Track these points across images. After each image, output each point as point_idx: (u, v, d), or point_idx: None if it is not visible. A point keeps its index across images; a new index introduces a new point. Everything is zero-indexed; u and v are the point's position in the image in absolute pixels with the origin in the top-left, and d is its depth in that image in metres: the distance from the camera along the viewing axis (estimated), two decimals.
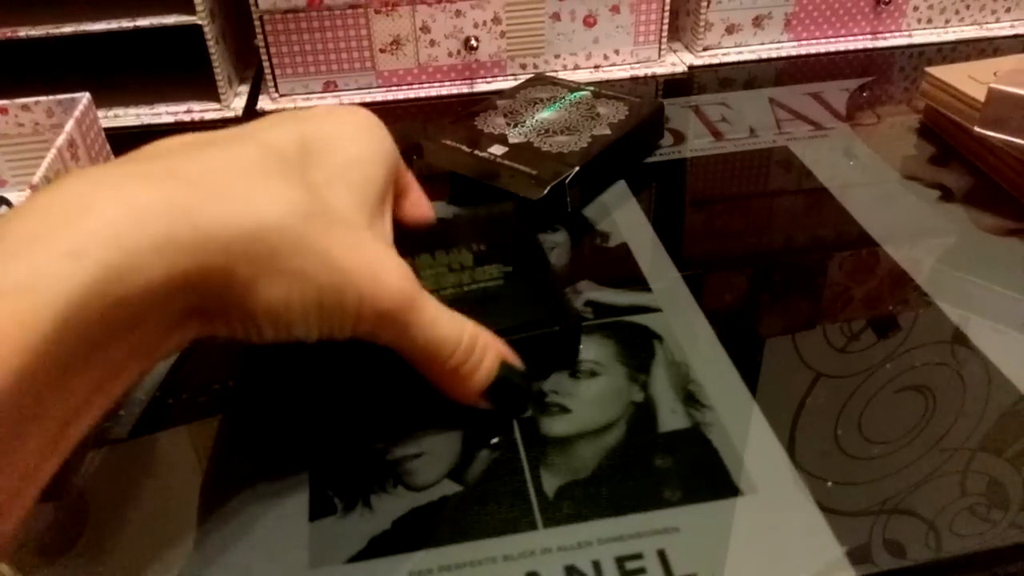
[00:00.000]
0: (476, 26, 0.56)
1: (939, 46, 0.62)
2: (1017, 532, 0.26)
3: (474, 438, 0.30)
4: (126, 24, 0.50)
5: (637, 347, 0.34)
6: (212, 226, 0.21)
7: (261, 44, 0.55)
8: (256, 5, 0.53)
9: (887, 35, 0.63)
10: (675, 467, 0.28)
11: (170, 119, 0.55)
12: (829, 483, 0.27)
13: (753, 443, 0.29)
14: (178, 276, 0.21)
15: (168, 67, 0.59)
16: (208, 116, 0.55)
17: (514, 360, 0.29)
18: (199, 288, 0.22)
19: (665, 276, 0.38)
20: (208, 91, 0.55)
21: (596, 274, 0.38)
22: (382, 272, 0.25)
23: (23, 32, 0.50)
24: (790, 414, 0.30)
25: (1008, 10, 0.64)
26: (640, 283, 0.37)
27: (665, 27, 0.59)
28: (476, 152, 0.44)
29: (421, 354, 0.27)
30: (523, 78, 0.54)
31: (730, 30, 0.61)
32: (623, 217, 0.42)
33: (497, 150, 0.44)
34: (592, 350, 0.33)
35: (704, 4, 0.59)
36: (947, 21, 0.63)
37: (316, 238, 0.23)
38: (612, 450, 0.29)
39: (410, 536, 0.26)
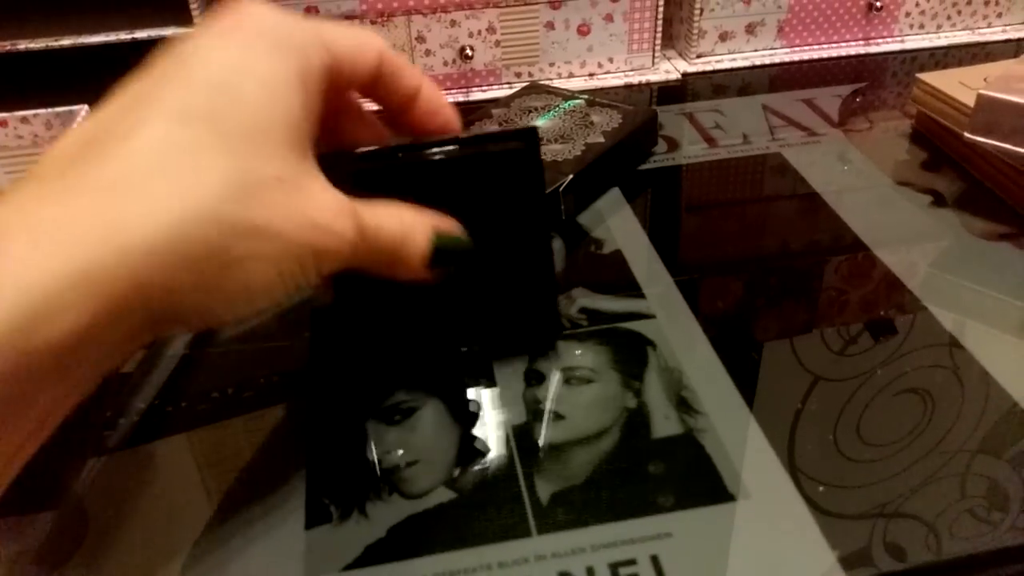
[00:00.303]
0: (471, 35, 0.56)
1: (931, 51, 0.62)
2: (1017, 534, 0.26)
3: (469, 446, 0.30)
4: (124, 36, 0.51)
5: (631, 353, 0.34)
6: (140, 243, 0.19)
7: None
8: None
9: (879, 41, 0.63)
10: (668, 473, 0.28)
11: None
12: (821, 488, 0.28)
13: (746, 449, 0.29)
14: (112, 309, 0.19)
15: None
16: None
17: (445, 225, 0.28)
18: (140, 311, 0.20)
19: (659, 283, 0.38)
20: None
21: (590, 281, 0.38)
22: (327, 218, 0.23)
23: (22, 45, 0.51)
24: (782, 419, 0.30)
25: (999, 15, 0.64)
26: (634, 290, 0.38)
27: (659, 35, 0.59)
28: None
29: (373, 264, 0.26)
30: (518, 86, 0.55)
31: (723, 37, 0.61)
32: (617, 224, 0.43)
33: None
34: (586, 357, 0.34)
35: (697, 12, 0.59)
36: (939, 26, 0.64)
37: (253, 215, 0.21)
38: (606, 456, 0.29)
39: (406, 544, 0.27)
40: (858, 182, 0.46)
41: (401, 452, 0.30)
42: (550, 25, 0.57)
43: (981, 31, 0.64)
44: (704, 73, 0.61)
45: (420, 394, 0.32)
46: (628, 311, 0.36)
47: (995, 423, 0.30)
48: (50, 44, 0.51)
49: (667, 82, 0.60)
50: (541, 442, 0.30)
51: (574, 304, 0.37)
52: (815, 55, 0.62)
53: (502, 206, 0.32)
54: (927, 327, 0.35)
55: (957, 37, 0.64)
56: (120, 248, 0.18)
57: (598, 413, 0.31)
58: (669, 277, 0.38)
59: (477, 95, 0.58)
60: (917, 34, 0.64)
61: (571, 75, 0.60)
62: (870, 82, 0.58)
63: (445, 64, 0.57)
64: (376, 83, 0.28)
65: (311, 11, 0.54)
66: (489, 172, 0.31)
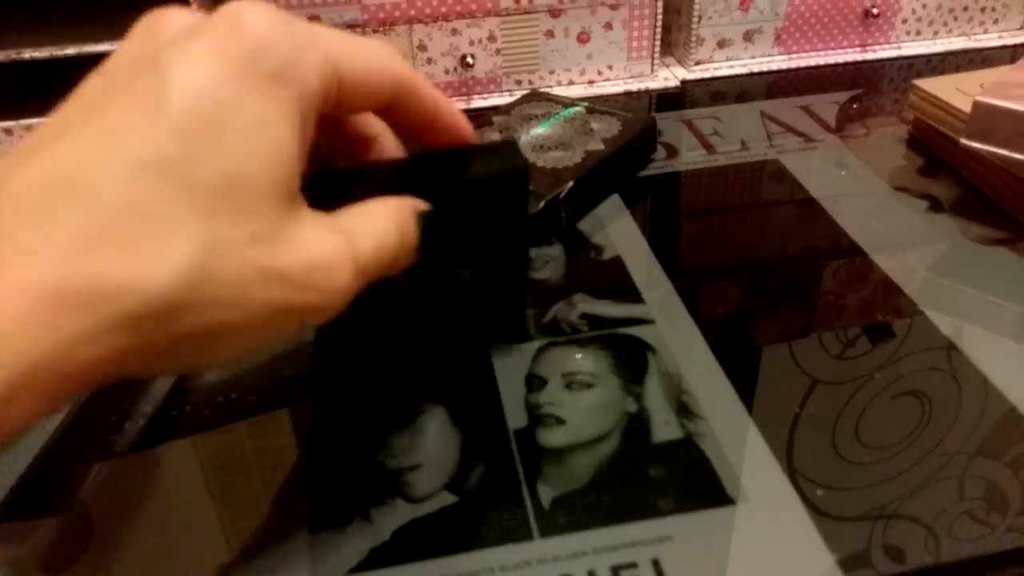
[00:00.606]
0: (472, 44, 0.57)
1: (928, 57, 0.63)
2: (1015, 536, 0.26)
3: (471, 450, 0.30)
4: None
5: (631, 358, 0.34)
6: (115, 304, 0.18)
7: None
8: None
9: (876, 47, 0.64)
10: (669, 477, 0.29)
11: None
12: (820, 490, 0.28)
13: (745, 452, 0.29)
14: (58, 398, 0.18)
15: None
16: None
17: (417, 204, 0.26)
18: (110, 374, 0.19)
19: (658, 288, 0.38)
20: None
21: (590, 287, 0.39)
22: (303, 274, 0.21)
23: (27, 54, 0.51)
24: (781, 422, 0.31)
25: (996, 21, 0.65)
26: (634, 295, 0.38)
27: (657, 42, 0.60)
28: None
29: (380, 277, 0.25)
30: (519, 94, 0.55)
31: (721, 44, 0.62)
32: (617, 230, 0.43)
33: None
34: (587, 361, 0.34)
35: (696, 19, 0.60)
36: (935, 33, 0.64)
37: (212, 291, 0.19)
38: (607, 460, 0.29)
39: (409, 547, 0.27)
40: (855, 188, 0.46)
41: (404, 456, 0.30)
42: (550, 33, 0.58)
43: (977, 37, 0.65)
44: (702, 80, 0.61)
45: (423, 399, 0.33)
46: (628, 316, 0.37)
47: (993, 426, 0.30)
48: (55, 53, 0.51)
49: (666, 89, 0.60)
50: (542, 446, 0.30)
51: (574, 309, 0.37)
52: (812, 62, 0.62)
53: (483, 219, 0.31)
54: (924, 331, 0.35)
55: (953, 43, 0.64)
56: (96, 312, 0.17)
57: (599, 417, 0.31)
58: (668, 282, 0.39)
59: (478, 103, 0.59)
60: (914, 40, 0.64)
61: (571, 83, 0.60)
62: (867, 88, 0.58)
63: (446, 72, 0.58)
64: (390, 108, 0.25)
65: (313, 20, 0.54)
66: (476, 196, 0.29)
